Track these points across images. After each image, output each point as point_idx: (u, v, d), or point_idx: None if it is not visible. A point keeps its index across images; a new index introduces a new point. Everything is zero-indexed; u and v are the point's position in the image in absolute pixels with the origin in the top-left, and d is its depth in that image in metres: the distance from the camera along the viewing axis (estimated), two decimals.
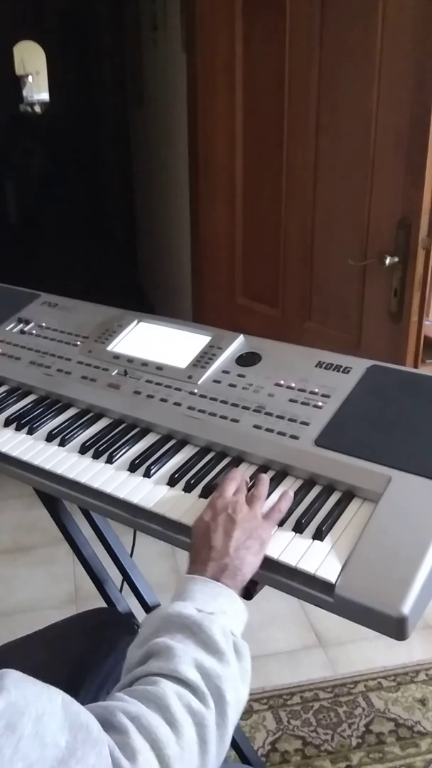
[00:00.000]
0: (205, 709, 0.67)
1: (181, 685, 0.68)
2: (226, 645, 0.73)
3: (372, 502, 0.90)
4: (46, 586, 2.28)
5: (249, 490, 0.93)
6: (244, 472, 0.98)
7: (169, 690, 0.67)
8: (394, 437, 0.96)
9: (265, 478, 0.95)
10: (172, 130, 3.20)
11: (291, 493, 0.93)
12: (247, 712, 1.81)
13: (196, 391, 1.14)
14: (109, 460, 1.05)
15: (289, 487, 0.96)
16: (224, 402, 1.10)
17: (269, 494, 0.94)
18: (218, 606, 0.77)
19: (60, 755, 0.56)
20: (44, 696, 0.60)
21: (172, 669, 0.68)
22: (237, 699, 0.71)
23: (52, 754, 0.56)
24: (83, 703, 1.12)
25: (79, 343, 1.32)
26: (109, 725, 0.62)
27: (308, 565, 0.82)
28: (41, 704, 0.58)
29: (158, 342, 1.27)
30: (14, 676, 0.59)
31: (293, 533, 0.88)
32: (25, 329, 1.40)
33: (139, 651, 0.73)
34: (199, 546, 0.85)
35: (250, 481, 0.96)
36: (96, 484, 1.01)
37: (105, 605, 1.55)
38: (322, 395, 1.06)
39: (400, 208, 1.73)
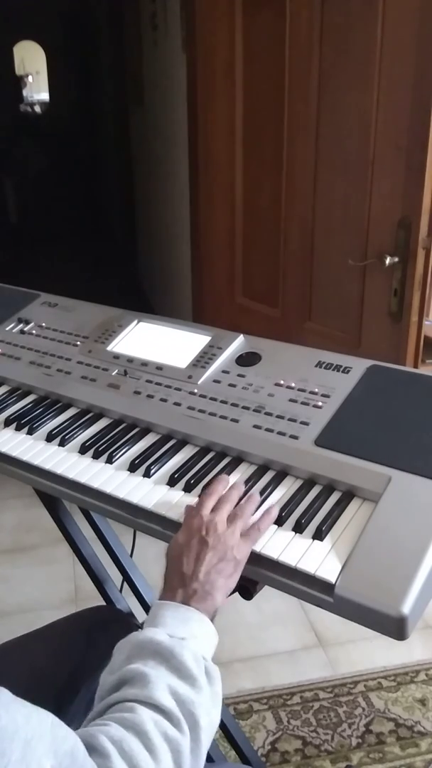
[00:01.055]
0: (180, 736, 0.68)
1: (157, 712, 0.68)
2: (198, 670, 0.73)
3: (372, 502, 0.90)
4: (46, 586, 2.28)
5: (240, 500, 0.92)
6: (227, 482, 0.95)
7: (146, 716, 0.67)
8: (394, 437, 0.96)
9: (256, 497, 0.93)
10: (172, 129, 3.20)
11: (276, 510, 0.90)
12: (247, 712, 1.81)
13: (196, 391, 1.14)
14: (109, 460, 1.05)
15: (288, 487, 0.96)
16: (224, 402, 1.10)
17: (269, 495, 0.94)
18: (189, 631, 0.77)
19: None
20: (34, 719, 0.60)
21: (148, 696, 0.69)
22: (210, 723, 0.72)
23: None
24: (83, 701, 1.13)
25: (79, 343, 1.32)
26: (91, 748, 0.63)
27: (308, 565, 0.82)
28: (30, 728, 0.59)
29: (158, 342, 1.27)
30: (4, 698, 0.60)
31: (293, 533, 0.88)
32: (25, 329, 1.40)
33: (112, 677, 0.74)
34: (170, 571, 0.85)
35: (245, 485, 0.96)
36: (96, 484, 1.01)
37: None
38: (322, 395, 1.06)
39: (400, 208, 1.73)
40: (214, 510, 0.89)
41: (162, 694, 0.69)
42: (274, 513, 0.90)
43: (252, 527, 0.88)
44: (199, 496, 0.94)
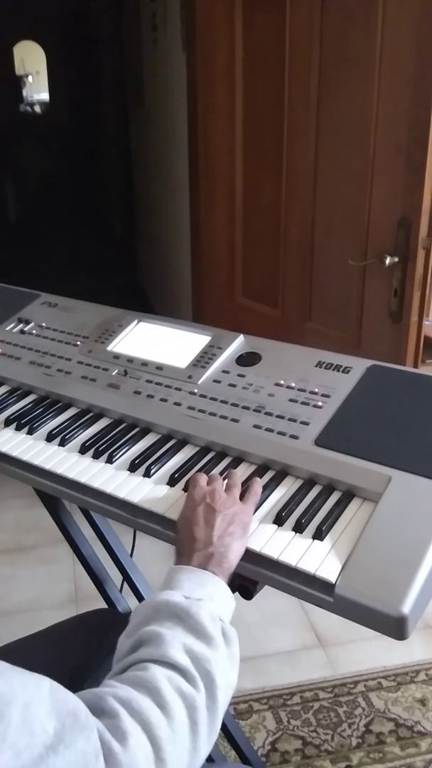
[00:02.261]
0: (195, 692, 0.68)
1: (171, 669, 0.69)
2: (215, 630, 0.74)
3: (372, 502, 0.90)
4: (46, 586, 2.28)
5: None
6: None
7: (159, 674, 0.68)
8: (394, 437, 0.96)
9: (236, 472, 0.98)
10: (172, 130, 3.20)
11: (258, 479, 0.96)
12: (247, 712, 1.81)
13: (196, 390, 1.14)
14: (109, 460, 1.05)
15: (288, 487, 0.96)
16: (224, 402, 1.10)
17: (269, 495, 0.95)
18: (206, 593, 0.78)
19: (48, 742, 0.57)
20: (31, 684, 0.60)
21: (162, 654, 0.70)
22: (226, 682, 0.72)
23: (41, 741, 0.57)
24: None
25: (79, 343, 1.32)
26: (99, 710, 0.63)
27: (308, 565, 0.82)
28: (28, 692, 0.59)
29: (158, 342, 1.27)
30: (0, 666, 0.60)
31: (293, 533, 0.88)
32: (25, 329, 1.40)
33: (128, 640, 0.74)
34: (183, 540, 0.87)
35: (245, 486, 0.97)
36: (96, 484, 1.01)
37: (105, 605, 1.55)
38: (322, 395, 1.06)
39: (400, 208, 1.73)
40: (208, 483, 0.93)
41: (176, 652, 0.70)
42: (258, 479, 0.96)
43: (248, 491, 0.92)
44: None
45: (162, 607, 0.75)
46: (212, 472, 1.01)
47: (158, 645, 0.70)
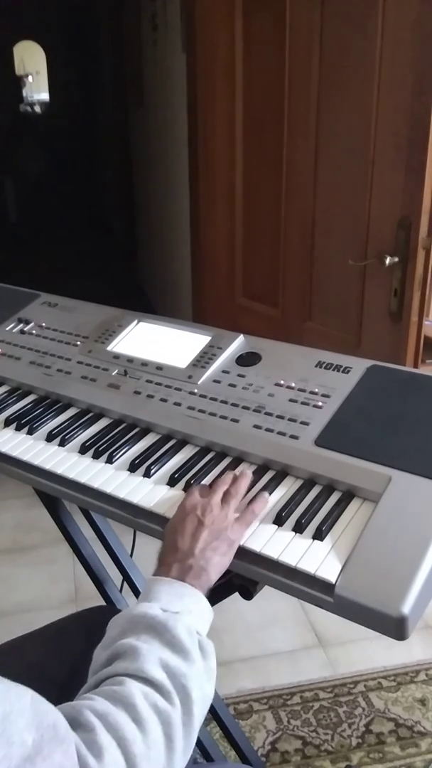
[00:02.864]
0: (170, 708, 0.68)
1: (147, 685, 0.68)
2: (191, 644, 0.73)
3: (372, 502, 0.90)
4: (46, 586, 2.28)
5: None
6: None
7: (135, 689, 0.67)
8: (394, 437, 0.96)
9: (248, 474, 0.96)
10: (172, 130, 3.20)
11: (266, 495, 0.93)
12: (247, 712, 1.81)
13: (196, 391, 1.14)
14: (109, 460, 1.05)
15: (288, 487, 0.96)
16: (224, 402, 1.10)
17: (269, 495, 0.95)
18: (184, 606, 0.78)
19: (26, 753, 0.56)
20: (12, 694, 0.60)
21: (138, 669, 0.69)
22: (202, 697, 0.72)
23: (18, 752, 0.56)
24: None
25: (79, 343, 1.32)
26: (76, 723, 0.63)
27: (308, 565, 0.82)
28: (8, 702, 0.58)
29: (158, 342, 1.27)
30: None
31: (293, 533, 0.88)
32: (25, 329, 1.40)
33: (104, 653, 0.74)
34: (165, 548, 0.86)
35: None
36: (96, 484, 1.01)
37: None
38: (322, 395, 1.06)
39: (400, 208, 1.73)
40: (207, 494, 0.91)
41: (152, 667, 0.69)
42: (266, 496, 0.93)
43: (246, 509, 0.90)
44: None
45: (139, 620, 0.75)
46: (212, 472, 1.01)
47: (134, 659, 0.70)
